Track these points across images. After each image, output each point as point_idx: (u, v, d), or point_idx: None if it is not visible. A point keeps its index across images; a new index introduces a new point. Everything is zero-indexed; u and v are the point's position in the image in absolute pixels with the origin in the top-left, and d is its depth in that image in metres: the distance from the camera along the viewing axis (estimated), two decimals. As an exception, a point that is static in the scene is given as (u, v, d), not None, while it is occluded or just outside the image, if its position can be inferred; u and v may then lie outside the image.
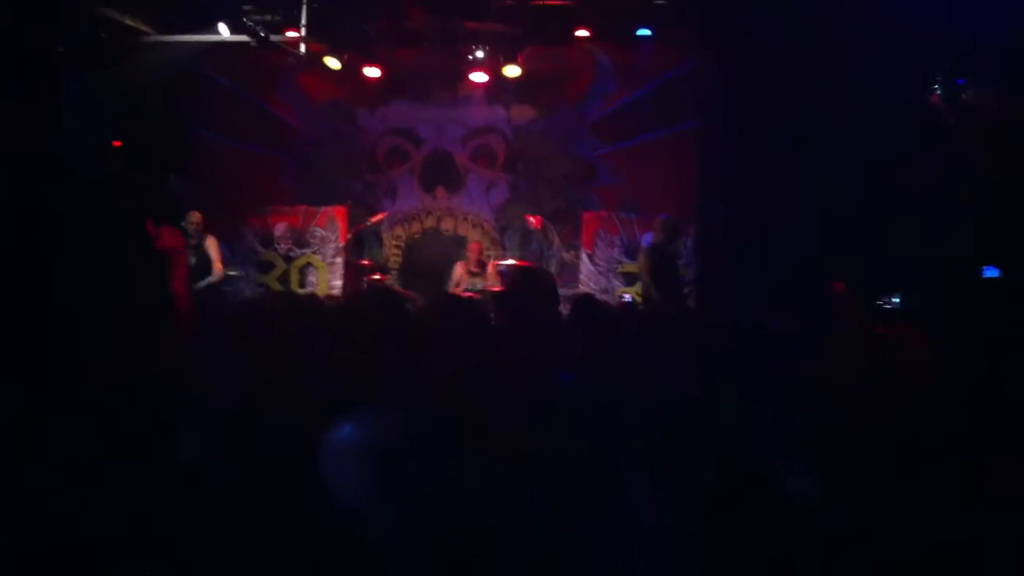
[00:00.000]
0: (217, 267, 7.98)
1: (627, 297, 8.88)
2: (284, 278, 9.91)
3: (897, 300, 6.35)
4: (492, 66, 9.03)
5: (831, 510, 1.46)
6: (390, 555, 1.46)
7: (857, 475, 1.47)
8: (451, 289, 8.69)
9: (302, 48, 8.87)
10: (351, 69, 9.04)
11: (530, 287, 4.06)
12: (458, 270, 8.86)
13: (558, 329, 3.65)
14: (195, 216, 7.97)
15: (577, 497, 1.86)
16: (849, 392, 1.52)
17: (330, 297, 9.18)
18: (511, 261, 8.97)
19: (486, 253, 9.46)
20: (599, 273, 9.63)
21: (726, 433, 1.59)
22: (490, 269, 8.80)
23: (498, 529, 1.64)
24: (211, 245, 8.00)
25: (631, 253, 9.41)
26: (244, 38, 8.28)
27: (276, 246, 9.95)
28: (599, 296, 8.85)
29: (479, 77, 9.23)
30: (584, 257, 9.66)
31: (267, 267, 9.91)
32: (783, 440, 1.50)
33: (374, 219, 9.46)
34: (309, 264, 9.94)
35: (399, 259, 10.09)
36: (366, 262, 9.26)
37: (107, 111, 8.36)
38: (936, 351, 2.38)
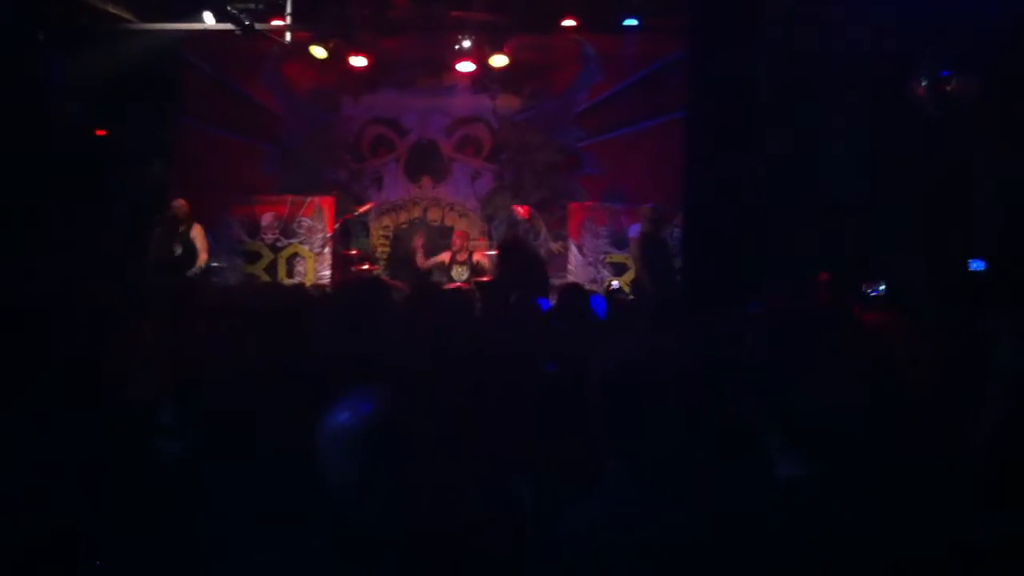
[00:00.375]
0: (202, 256, 7.92)
1: (615, 284, 8.89)
2: (271, 268, 9.87)
3: (882, 288, 6.39)
4: (478, 56, 9.01)
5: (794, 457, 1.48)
6: (374, 537, 1.47)
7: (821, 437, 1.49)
8: (428, 265, 8.71)
9: (287, 37, 8.83)
10: (336, 58, 9.00)
11: (518, 255, 4.06)
12: (443, 260, 8.83)
13: (544, 313, 3.66)
14: (180, 203, 7.90)
15: (560, 487, 1.87)
16: (817, 367, 1.53)
17: (316, 287, 9.16)
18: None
19: (472, 242, 9.45)
20: (587, 264, 9.65)
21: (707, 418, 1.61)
22: (476, 257, 8.78)
23: (480, 518, 1.65)
24: (197, 234, 7.93)
25: (618, 243, 9.43)
26: (228, 26, 8.23)
27: (263, 236, 9.90)
28: (587, 286, 8.88)
29: (466, 67, 9.20)
30: (572, 247, 9.67)
31: (253, 257, 9.86)
32: (760, 413, 1.52)
33: (361, 209, 9.43)
34: (296, 254, 9.90)
35: (386, 249, 10.07)
36: (354, 252, 9.24)
37: (89, 98, 8.30)
38: (916, 335, 2.41)
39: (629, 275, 8.80)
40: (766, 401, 1.50)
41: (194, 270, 7.79)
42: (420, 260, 8.80)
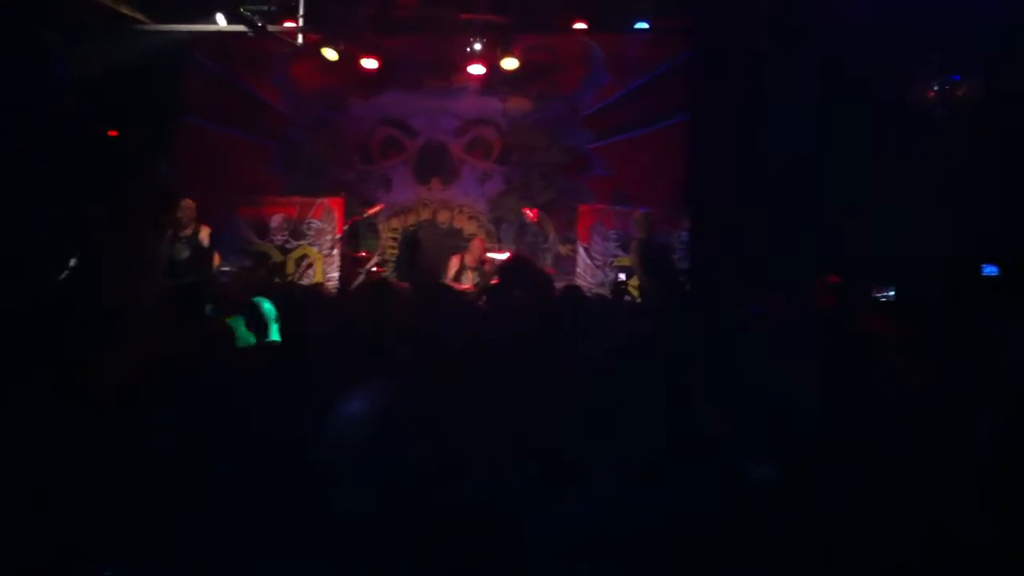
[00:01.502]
0: (211, 259, 7.86)
1: (622, 276, 8.82)
2: (280, 269, 9.88)
3: (892, 293, 6.36)
4: (489, 58, 9.01)
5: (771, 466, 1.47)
6: (374, 527, 1.47)
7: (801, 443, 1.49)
8: (447, 281, 8.63)
9: (299, 39, 8.86)
10: (346, 59, 9.01)
11: (516, 274, 4.06)
12: (454, 263, 8.76)
13: (545, 314, 3.65)
14: (188, 203, 7.84)
15: (556, 479, 1.87)
16: (810, 372, 1.53)
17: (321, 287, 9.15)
18: (507, 255, 8.92)
19: (486, 252, 9.33)
20: (596, 267, 9.62)
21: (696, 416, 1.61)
22: (487, 267, 8.70)
23: (477, 509, 1.65)
24: (204, 236, 7.86)
25: (627, 246, 9.40)
26: (241, 28, 8.26)
27: (272, 237, 9.92)
28: (595, 289, 8.85)
29: (476, 69, 9.21)
30: (580, 250, 9.64)
31: (263, 258, 9.88)
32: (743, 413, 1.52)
33: (371, 211, 9.42)
34: (305, 256, 9.92)
35: (395, 251, 10.07)
36: (363, 254, 9.24)
37: (98, 97, 8.32)
38: (921, 338, 2.38)
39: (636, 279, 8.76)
40: (760, 402, 1.50)
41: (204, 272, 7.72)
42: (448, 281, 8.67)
